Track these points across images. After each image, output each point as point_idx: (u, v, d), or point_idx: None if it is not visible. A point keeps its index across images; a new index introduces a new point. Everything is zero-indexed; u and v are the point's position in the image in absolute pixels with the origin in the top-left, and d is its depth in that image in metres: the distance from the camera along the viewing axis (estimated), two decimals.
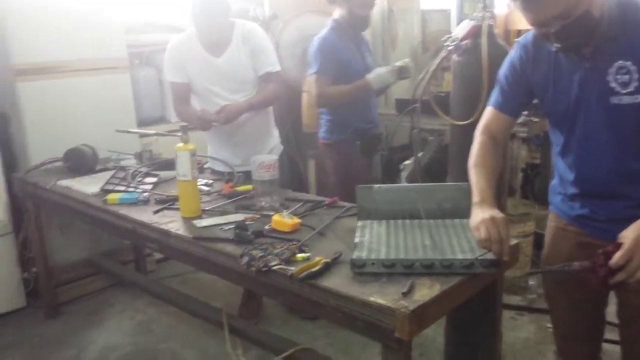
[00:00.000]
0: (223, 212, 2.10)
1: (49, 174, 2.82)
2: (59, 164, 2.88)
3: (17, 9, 2.94)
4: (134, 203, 2.26)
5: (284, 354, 2.01)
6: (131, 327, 2.96)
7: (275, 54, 2.68)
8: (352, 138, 2.89)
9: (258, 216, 2.02)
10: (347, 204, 2.08)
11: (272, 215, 1.94)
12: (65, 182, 2.63)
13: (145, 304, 3.15)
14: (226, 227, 1.92)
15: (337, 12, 2.84)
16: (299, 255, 1.63)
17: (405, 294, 1.35)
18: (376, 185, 1.82)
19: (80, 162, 2.81)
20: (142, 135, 3.03)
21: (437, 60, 2.30)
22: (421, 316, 1.31)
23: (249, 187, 2.28)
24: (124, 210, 2.21)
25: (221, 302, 2.73)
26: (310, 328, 2.81)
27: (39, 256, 3.03)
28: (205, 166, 2.79)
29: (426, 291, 1.37)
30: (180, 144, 2.05)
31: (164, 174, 2.59)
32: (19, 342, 2.83)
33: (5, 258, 3.04)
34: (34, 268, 3.10)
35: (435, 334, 2.44)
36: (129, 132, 3.01)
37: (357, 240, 1.62)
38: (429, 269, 1.45)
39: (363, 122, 2.92)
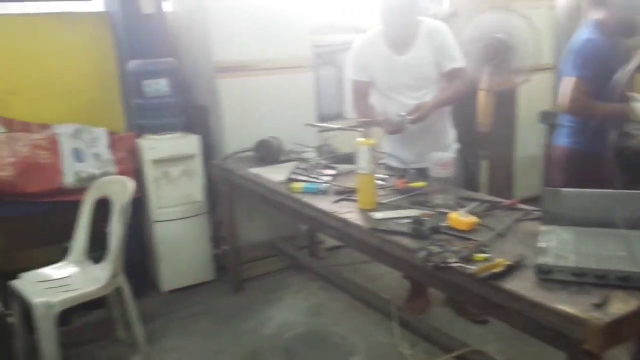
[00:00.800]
0: (398, 207, 2.16)
1: (241, 162, 3.13)
2: (250, 153, 3.17)
3: (217, 11, 3.26)
4: (315, 193, 2.42)
5: (455, 353, 2.01)
6: (305, 308, 3.17)
7: (460, 51, 2.66)
8: (603, 149, 2.54)
9: (433, 213, 2.04)
10: (529, 207, 2.01)
11: (448, 213, 1.95)
12: (255, 170, 2.90)
13: (317, 288, 3.35)
14: (402, 222, 1.97)
15: (601, 14, 2.55)
16: (479, 255, 1.63)
17: (598, 306, 1.28)
18: (565, 190, 1.74)
19: (268, 152, 3.07)
20: (326, 130, 3.21)
21: None
22: (616, 331, 1.23)
23: (422, 184, 2.31)
24: (307, 199, 2.38)
25: (388, 295, 2.80)
26: (481, 332, 2.76)
27: (229, 236, 3.37)
28: (381, 162, 2.87)
29: (621, 305, 1.29)
30: (362, 139, 2.14)
31: (342, 167, 2.73)
32: (209, 311, 3.19)
33: (201, 235, 3.45)
34: (225, 246, 3.46)
35: (621, 354, 2.25)
36: (317, 126, 3.22)
37: (543, 245, 1.56)
38: (625, 282, 1.36)
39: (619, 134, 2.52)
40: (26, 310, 2.45)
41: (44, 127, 3.17)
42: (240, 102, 3.39)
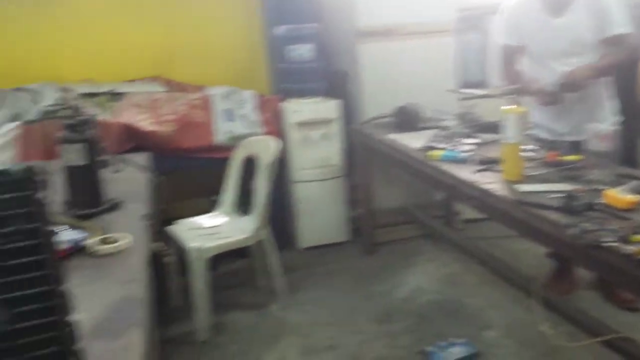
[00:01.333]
0: (546, 180, 2.05)
1: (379, 127, 3.14)
2: (388, 119, 3.17)
3: None
4: (455, 161, 2.36)
5: (602, 338, 1.89)
6: (438, 277, 3.15)
7: (626, 15, 2.41)
8: None
9: (587, 188, 1.91)
10: None
11: (604, 189, 1.81)
12: (393, 136, 2.90)
13: (451, 258, 3.31)
14: (551, 195, 1.87)
15: None
16: (638, 236, 1.50)
17: None
18: None
19: (407, 118, 3.05)
20: (469, 98, 3.10)
21: None
22: None
23: (576, 157, 2.16)
24: (445, 167, 2.34)
25: (528, 272, 2.68)
26: (631, 320, 2.55)
27: (364, 199, 3.43)
28: (529, 132, 2.72)
29: None
30: (509, 107, 2.04)
31: (485, 136, 2.63)
32: (342, 270, 3.30)
33: (337, 198, 3.55)
34: (359, 209, 3.53)
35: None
36: (461, 92, 3.12)
37: None
38: None
39: None
40: (180, 253, 2.72)
41: (199, 88, 3.42)
42: (380, 68, 3.39)
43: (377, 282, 3.12)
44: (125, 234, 1.66)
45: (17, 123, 2.69)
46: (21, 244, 0.80)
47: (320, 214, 3.52)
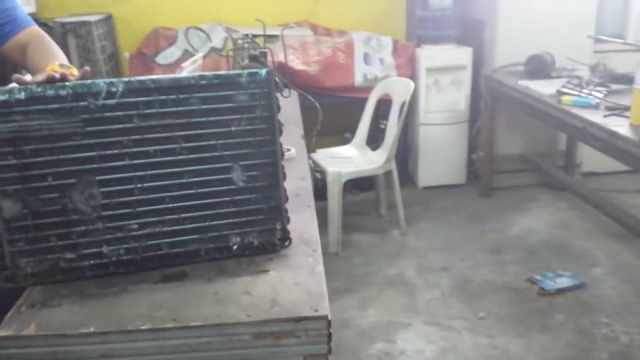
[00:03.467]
0: None
1: (510, 75, 3.30)
2: (520, 67, 3.32)
3: None
4: (585, 106, 2.52)
5: None
6: (551, 221, 3.33)
7: None
8: None
9: None
10: None
11: None
12: (524, 83, 3.07)
13: (566, 206, 3.46)
14: None
15: None
16: None
17: None
18: None
19: (539, 66, 3.18)
20: (604, 43, 3.10)
21: None
22: None
23: None
24: (575, 110, 2.51)
25: None
26: None
27: (485, 144, 3.64)
28: None
29: None
30: None
31: (616, 86, 2.73)
32: (458, 207, 3.57)
33: (459, 141, 3.78)
34: (479, 153, 3.75)
35: None
36: (600, 39, 3.17)
37: None
38: None
39: None
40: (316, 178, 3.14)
41: (342, 33, 3.76)
42: (518, 17, 3.49)
43: (491, 221, 3.37)
44: (291, 147, 2.08)
45: (200, 54, 3.20)
46: (261, 126, 1.19)
47: (441, 156, 3.78)
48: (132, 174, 1.13)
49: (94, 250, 1.16)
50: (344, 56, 3.53)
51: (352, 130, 3.45)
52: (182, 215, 1.18)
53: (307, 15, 3.85)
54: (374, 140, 3.38)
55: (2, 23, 1.34)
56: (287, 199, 1.27)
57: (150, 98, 1.10)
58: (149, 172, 1.13)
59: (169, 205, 1.16)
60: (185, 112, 1.13)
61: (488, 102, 3.52)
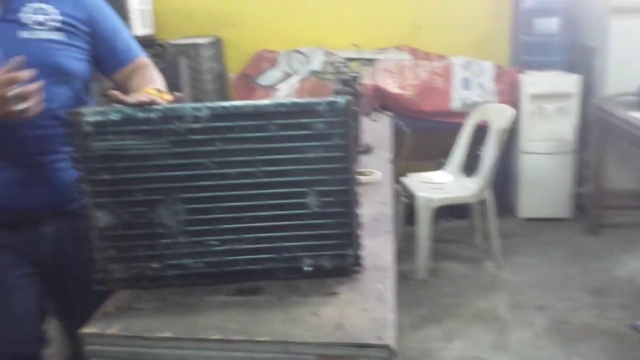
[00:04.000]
0: None
1: (621, 104, 3.09)
2: (632, 97, 3.09)
3: None
4: None
5: None
6: None
7: None
8: None
9: None
10: None
11: None
12: (635, 114, 2.86)
13: None
14: None
15: None
16: None
17: None
18: None
19: None
20: None
21: None
22: None
23: None
24: None
25: None
26: None
27: (593, 177, 3.41)
28: None
29: None
30: None
31: None
32: (560, 243, 3.36)
33: (564, 172, 3.57)
34: (587, 187, 3.52)
35: None
36: None
37: None
38: None
39: None
40: (408, 202, 3.11)
41: (441, 57, 3.72)
42: (630, 43, 3.28)
43: (596, 259, 3.14)
44: (376, 171, 2.09)
45: (297, 78, 3.33)
46: (337, 154, 1.21)
47: (544, 187, 3.59)
48: (213, 193, 1.20)
49: (177, 261, 1.24)
50: (442, 80, 3.49)
51: (447, 155, 3.39)
52: (258, 235, 1.23)
53: (406, 39, 3.86)
54: (470, 167, 3.29)
55: (108, 53, 1.45)
56: (360, 225, 1.28)
57: (233, 123, 1.17)
58: (228, 193, 1.20)
59: (246, 225, 1.22)
60: (264, 138, 1.18)
61: (597, 133, 3.31)
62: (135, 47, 1.54)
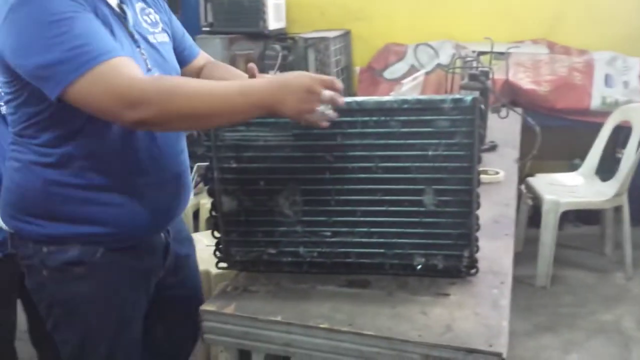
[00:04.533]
0: None
1: None
2: None
3: None
4: None
5: None
6: None
7: None
8: None
9: None
10: None
11: None
12: None
13: None
14: None
15: None
16: None
17: None
18: None
19: None
20: None
21: None
22: None
23: None
24: None
25: None
26: None
27: None
28: None
29: None
30: None
31: None
32: None
33: None
34: None
35: None
36: None
37: None
38: None
39: None
40: (534, 204, 2.95)
41: (582, 52, 3.46)
42: None
43: None
44: (500, 170, 2.01)
45: (422, 72, 3.27)
46: (459, 152, 1.18)
47: None
48: (330, 186, 1.23)
49: (292, 249, 1.29)
50: (581, 77, 3.24)
51: (583, 156, 3.16)
52: (372, 230, 1.25)
53: (544, 33, 3.63)
54: (606, 170, 3.03)
55: (181, 50, 1.40)
56: (479, 227, 1.25)
57: (354, 118, 1.19)
58: (345, 187, 1.22)
59: (360, 218, 1.24)
60: (385, 134, 1.19)
61: None
62: (194, 42, 1.49)
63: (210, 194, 1.29)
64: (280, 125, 1.21)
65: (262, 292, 1.26)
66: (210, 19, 3.62)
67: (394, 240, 1.24)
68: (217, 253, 1.33)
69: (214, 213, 1.30)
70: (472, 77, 2.12)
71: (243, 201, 1.28)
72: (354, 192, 1.22)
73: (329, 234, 1.26)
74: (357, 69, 3.78)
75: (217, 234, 1.32)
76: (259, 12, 3.46)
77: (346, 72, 3.83)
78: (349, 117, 1.18)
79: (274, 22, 3.57)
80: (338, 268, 1.29)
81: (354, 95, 3.71)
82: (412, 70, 3.53)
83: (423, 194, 1.20)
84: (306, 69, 3.48)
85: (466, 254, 1.24)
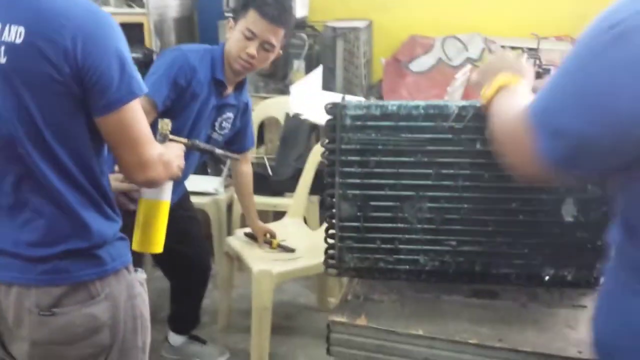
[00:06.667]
0: None
1: None
2: None
3: None
4: None
5: None
6: None
7: None
8: None
9: None
10: None
11: None
12: None
13: None
14: None
15: None
16: None
17: None
18: None
19: None
20: None
21: None
22: None
23: None
24: None
25: None
26: None
27: None
28: None
29: None
30: None
31: None
32: None
33: None
34: None
35: None
36: None
37: None
38: None
39: None
40: None
41: None
42: None
43: None
44: None
45: (469, 66, 3.22)
46: None
47: None
48: (462, 194, 1.18)
49: (412, 257, 1.24)
50: None
51: None
52: (500, 240, 1.20)
53: (568, 30, 3.63)
54: None
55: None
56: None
57: None
58: (479, 195, 1.17)
59: (490, 228, 1.19)
60: None
61: None
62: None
63: (327, 199, 1.23)
64: (415, 129, 1.15)
65: (387, 302, 1.21)
66: (232, 4, 3.50)
67: (524, 251, 1.20)
68: (330, 260, 1.27)
69: (332, 220, 1.23)
70: (538, 75, 2.09)
71: (363, 207, 1.22)
72: (488, 201, 1.18)
73: (453, 243, 1.21)
74: (382, 60, 3.72)
75: (330, 240, 1.26)
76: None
77: (368, 64, 3.76)
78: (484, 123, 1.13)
79: (298, 8, 3.47)
80: (460, 278, 1.24)
81: (375, 86, 3.66)
82: (440, 63, 3.49)
83: (561, 205, 1.16)
84: (333, 59, 3.40)
85: (599, 264, 1.20)
